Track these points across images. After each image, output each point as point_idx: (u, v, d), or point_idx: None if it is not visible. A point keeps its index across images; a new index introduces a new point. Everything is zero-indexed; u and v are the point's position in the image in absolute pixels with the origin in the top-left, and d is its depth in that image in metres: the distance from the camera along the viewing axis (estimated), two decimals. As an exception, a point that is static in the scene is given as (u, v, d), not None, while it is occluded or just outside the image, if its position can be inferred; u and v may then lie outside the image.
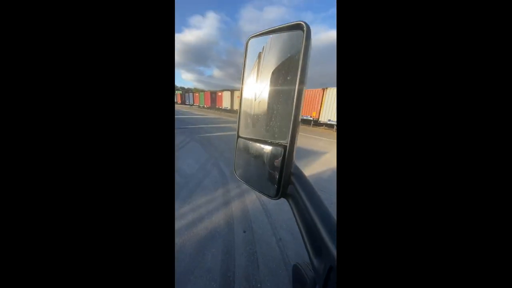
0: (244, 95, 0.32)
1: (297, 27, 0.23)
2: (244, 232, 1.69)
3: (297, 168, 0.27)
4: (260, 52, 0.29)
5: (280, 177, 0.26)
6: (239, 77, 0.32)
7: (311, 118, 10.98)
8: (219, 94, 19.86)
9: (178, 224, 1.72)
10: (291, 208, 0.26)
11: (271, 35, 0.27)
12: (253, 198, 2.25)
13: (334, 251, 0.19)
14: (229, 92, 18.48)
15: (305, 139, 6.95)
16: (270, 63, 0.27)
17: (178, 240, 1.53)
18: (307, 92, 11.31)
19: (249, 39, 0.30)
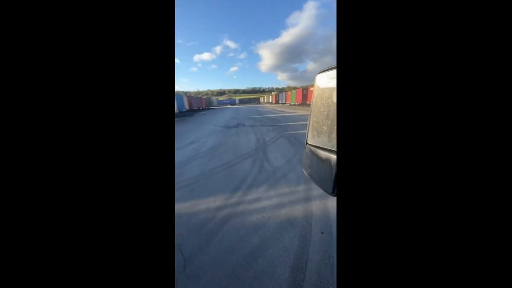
0: (312, 114, 0.45)
1: None
2: (322, 233, 1.69)
3: None
4: (325, 85, 0.40)
5: (335, 179, 0.34)
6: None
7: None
8: (311, 89, 19.09)
9: (265, 203, 2.16)
10: None
11: (333, 71, 0.37)
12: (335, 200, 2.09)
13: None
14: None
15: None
16: (332, 93, 0.38)
17: (264, 215, 1.95)
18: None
19: (318, 74, 0.42)
